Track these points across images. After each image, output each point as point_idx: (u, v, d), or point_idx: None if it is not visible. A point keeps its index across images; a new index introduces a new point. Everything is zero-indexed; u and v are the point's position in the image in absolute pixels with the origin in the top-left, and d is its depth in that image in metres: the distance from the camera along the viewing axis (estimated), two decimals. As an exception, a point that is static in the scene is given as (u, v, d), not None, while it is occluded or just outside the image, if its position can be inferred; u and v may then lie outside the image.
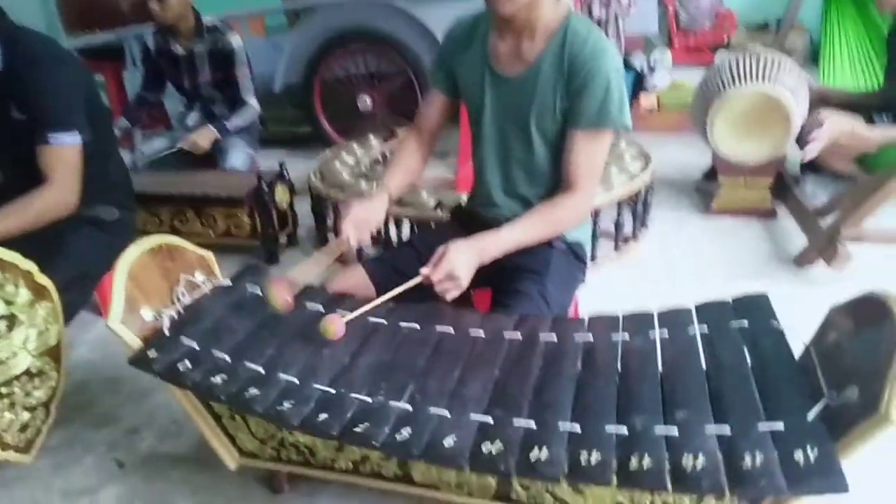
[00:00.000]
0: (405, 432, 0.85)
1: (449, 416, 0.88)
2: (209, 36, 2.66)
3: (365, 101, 3.53)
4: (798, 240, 2.26)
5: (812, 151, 2.05)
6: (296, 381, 0.96)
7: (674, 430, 0.80)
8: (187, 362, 0.98)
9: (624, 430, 0.82)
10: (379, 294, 1.31)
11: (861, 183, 1.97)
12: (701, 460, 0.75)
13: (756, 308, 1.03)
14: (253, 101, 2.78)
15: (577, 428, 0.83)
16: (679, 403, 0.85)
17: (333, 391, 0.94)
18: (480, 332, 1.08)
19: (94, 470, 1.41)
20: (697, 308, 1.06)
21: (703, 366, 0.94)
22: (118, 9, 3.88)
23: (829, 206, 2.23)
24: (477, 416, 0.87)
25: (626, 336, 1.03)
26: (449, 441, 0.82)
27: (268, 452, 1.12)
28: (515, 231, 1.23)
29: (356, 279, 1.35)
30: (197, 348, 1.02)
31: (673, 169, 3.07)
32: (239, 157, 2.72)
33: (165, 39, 2.70)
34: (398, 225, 2.13)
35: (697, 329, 1.01)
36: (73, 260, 1.50)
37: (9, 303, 1.14)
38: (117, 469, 1.41)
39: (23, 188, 1.42)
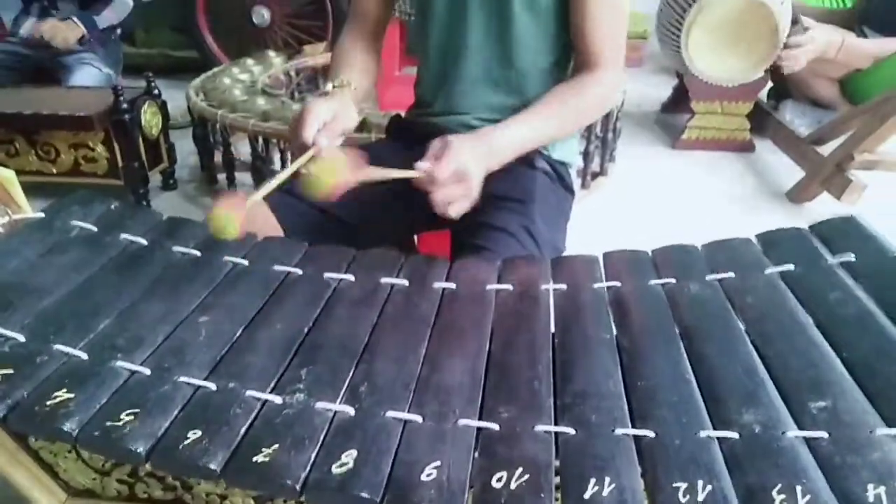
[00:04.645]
0: (347, 458, 0.50)
1: (421, 422, 0.54)
2: None
3: (261, 14, 3.03)
4: (787, 173, 2.06)
5: (797, 61, 1.85)
6: (145, 371, 0.59)
7: (818, 434, 0.50)
8: (-62, 349, 0.58)
9: (732, 435, 0.50)
10: (287, 237, 0.96)
11: (880, 102, 1.78)
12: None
13: (797, 246, 0.75)
14: None
15: (648, 433, 0.51)
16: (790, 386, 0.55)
17: (213, 387, 0.58)
18: (450, 285, 0.74)
19: None
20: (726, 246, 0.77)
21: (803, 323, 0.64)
22: None
23: (824, 134, 2.03)
24: (470, 422, 0.54)
25: (670, 280, 0.72)
26: (430, 472, 0.48)
27: (113, 488, 0.74)
28: (531, 122, 0.90)
29: (255, 216, 0.98)
30: (-35, 322, 0.61)
31: (628, 102, 2.84)
32: (90, 75, 2.20)
33: None
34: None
35: (775, 270, 0.72)
36: None
37: None
38: None
39: None
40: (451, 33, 0.99)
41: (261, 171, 1.86)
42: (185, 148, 2.18)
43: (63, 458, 0.73)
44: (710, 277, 0.71)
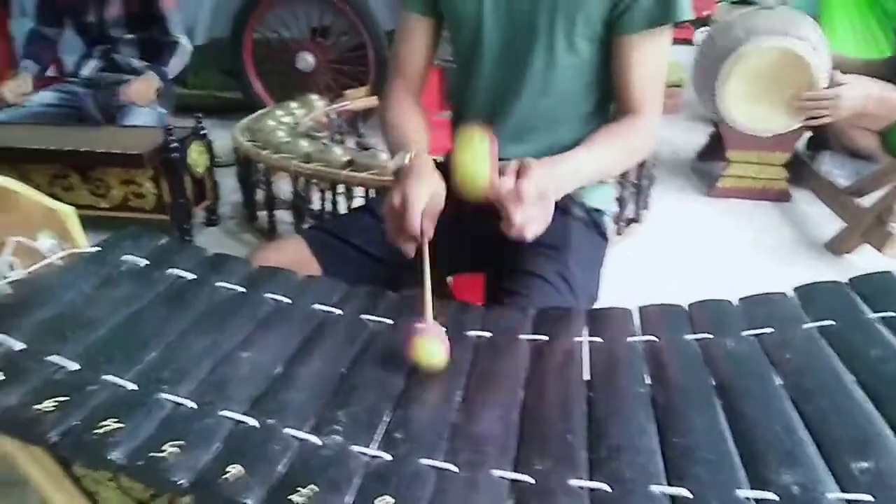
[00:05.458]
0: None
1: (456, 471, 0.54)
2: None
3: (305, 60, 3.14)
4: (825, 224, 2.04)
5: (835, 113, 1.85)
6: (191, 404, 0.60)
7: (862, 497, 0.48)
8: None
9: (770, 496, 0.49)
10: (327, 274, 0.99)
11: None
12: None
13: (835, 301, 0.74)
14: (185, 41, 2.38)
15: (683, 492, 0.51)
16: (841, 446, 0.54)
17: (255, 423, 0.59)
18: (484, 333, 0.75)
19: None
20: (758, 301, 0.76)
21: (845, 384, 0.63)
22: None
23: (864, 185, 2.01)
24: (504, 473, 0.54)
25: (707, 335, 0.72)
26: (464, 521, 0.48)
27: (151, 518, 0.75)
28: (587, 158, 0.91)
29: (293, 253, 1.01)
30: (22, 349, 0.64)
31: (664, 149, 2.84)
32: (145, 115, 2.29)
33: None
34: (349, 193, 1.77)
35: (813, 325, 0.71)
36: None
37: None
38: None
39: None
40: (500, 85, 1.01)
41: (301, 210, 1.91)
42: (227, 185, 2.25)
43: (104, 487, 0.74)
44: (747, 332, 0.70)
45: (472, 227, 1.08)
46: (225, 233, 2.15)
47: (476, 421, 0.60)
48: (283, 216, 2.04)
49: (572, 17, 0.92)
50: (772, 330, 0.70)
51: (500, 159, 1.06)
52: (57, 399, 0.58)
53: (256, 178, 2.02)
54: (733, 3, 4.85)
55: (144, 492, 0.72)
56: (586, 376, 0.68)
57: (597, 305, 1.02)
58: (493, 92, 1.03)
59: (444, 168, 1.19)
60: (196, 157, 1.96)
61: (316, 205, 1.92)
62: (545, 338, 0.74)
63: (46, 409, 0.57)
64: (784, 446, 0.54)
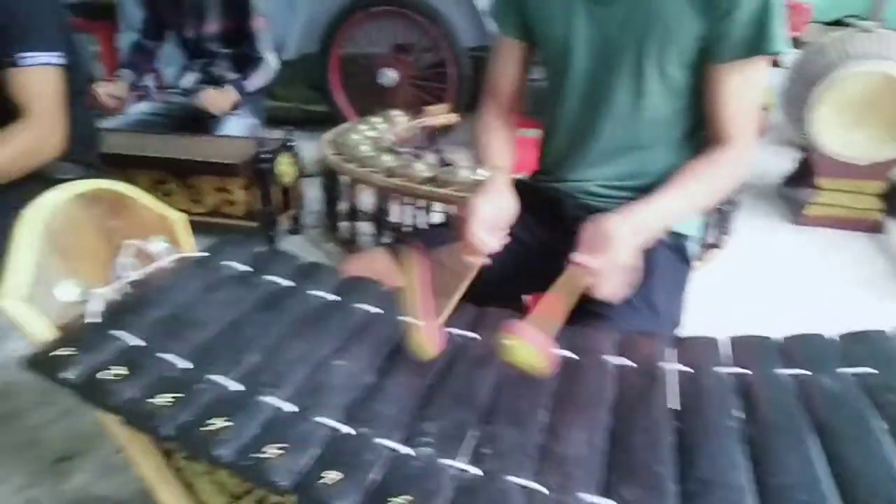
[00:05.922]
0: (472, 517, 0.51)
1: (546, 492, 0.54)
2: None
3: (388, 76, 3.22)
4: (924, 259, 1.92)
5: None
6: (292, 408, 0.63)
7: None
8: (120, 369, 0.65)
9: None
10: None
11: None
12: None
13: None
14: (271, 58, 2.49)
15: (780, 533, 0.49)
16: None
17: (351, 430, 0.61)
18: (569, 354, 0.75)
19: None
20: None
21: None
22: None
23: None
24: (592, 498, 0.54)
25: (803, 370, 0.69)
26: (554, 543, 0.49)
27: (241, 511, 0.79)
28: (674, 198, 0.92)
29: (378, 265, 1.04)
30: (140, 345, 0.69)
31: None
32: (239, 124, 2.41)
33: None
34: (428, 207, 1.80)
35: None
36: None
37: None
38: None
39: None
40: (586, 106, 1.02)
41: (381, 222, 1.96)
42: (309, 194, 2.33)
43: (200, 479, 0.78)
44: (847, 371, 0.68)
45: (561, 247, 1.08)
46: (308, 241, 2.22)
47: (562, 442, 0.60)
48: (364, 227, 2.10)
49: (662, 43, 0.91)
50: (873, 370, 0.67)
51: (583, 181, 1.06)
52: (172, 395, 0.62)
53: (340, 189, 2.09)
54: (825, 24, 4.66)
55: (238, 486, 0.76)
56: (673, 404, 0.67)
57: (679, 331, 1.00)
58: (580, 113, 1.03)
59: (522, 186, 1.20)
60: (285, 167, 2.05)
61: (395, 217, 1.96)
62: (631, 363, 0.73)
63: (163, 404, 0.61)
64: (890, 496, 0.52)
